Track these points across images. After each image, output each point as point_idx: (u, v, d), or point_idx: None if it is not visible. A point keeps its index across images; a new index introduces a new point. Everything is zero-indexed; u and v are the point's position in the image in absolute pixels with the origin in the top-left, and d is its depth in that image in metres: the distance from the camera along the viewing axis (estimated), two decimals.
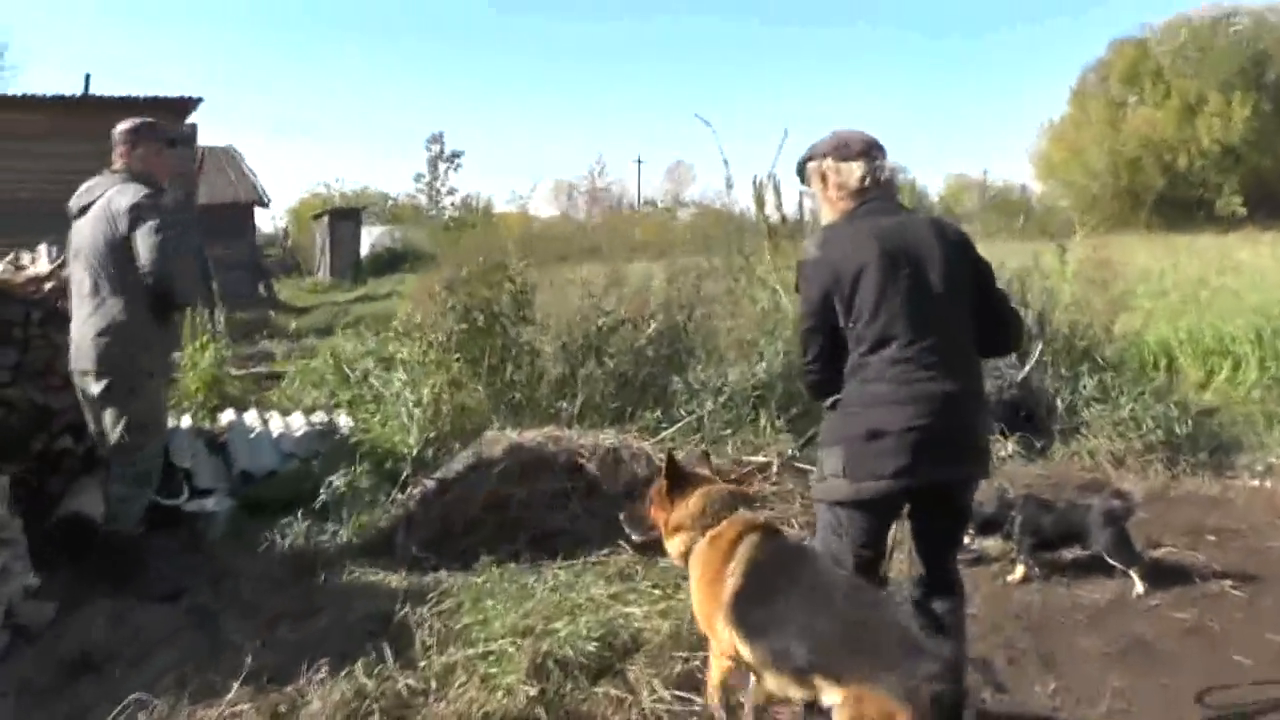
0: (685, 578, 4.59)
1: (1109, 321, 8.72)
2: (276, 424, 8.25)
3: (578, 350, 6.70)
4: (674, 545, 3.42)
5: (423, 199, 51.84)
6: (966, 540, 5.21)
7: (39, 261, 5.81)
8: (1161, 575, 5.00)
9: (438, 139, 53.93)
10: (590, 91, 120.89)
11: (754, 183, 8.18)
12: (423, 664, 3.85)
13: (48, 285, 5.52)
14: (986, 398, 3.40)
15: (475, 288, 6.71)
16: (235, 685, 3.70)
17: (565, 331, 6.84)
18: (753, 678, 3.21)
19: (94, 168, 5.06)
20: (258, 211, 30.21)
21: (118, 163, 4.94)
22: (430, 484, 5.52)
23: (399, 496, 5.68)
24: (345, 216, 35.67)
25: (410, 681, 3.72)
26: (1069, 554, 5.16)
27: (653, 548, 5.00)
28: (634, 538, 3.76)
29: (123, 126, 4.96)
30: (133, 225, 4.67)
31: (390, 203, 53.07)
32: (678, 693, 3.67)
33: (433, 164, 53.34)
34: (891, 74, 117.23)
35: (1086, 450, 7.08)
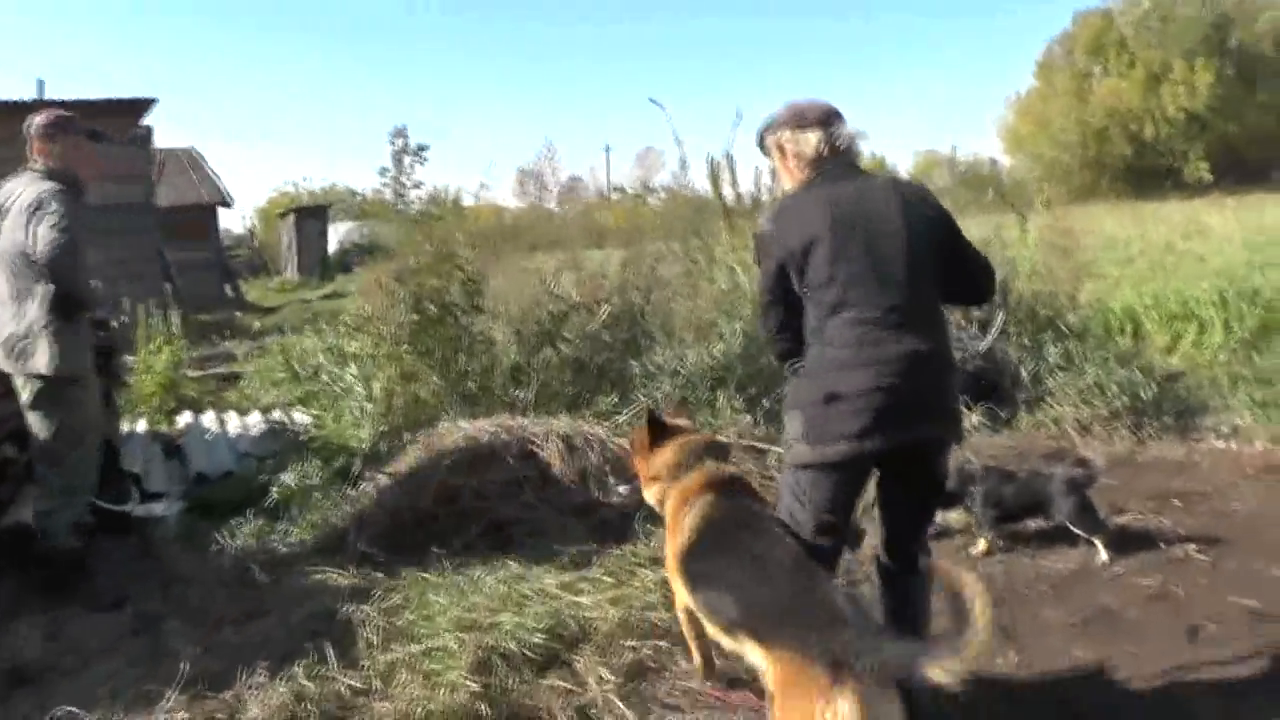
0: (640, 564, 4.56)
1: (1073, 290, 8.67)
2: (234, 424, 8.13)
3: (532, 337, 6.56)
4: (650, 494, 3.53)
5: (388, 193, 51.27)
6: None
7: None
8: (1126, 542, 4.94)
9: (401, 132, 53.24)
10: (560, 81, 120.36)
11: (709, 163, 8.07)
12: (366, 663, 3.75)
13: None
14: (953, 358, 3.29)
15: (424, 278, 6.56)
16: (173, 693, 3.58)
17: (519, 319, 6.70)
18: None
19: None
20: (224, 213, 29.91)
21: (36, 160, 4.72)
22: (381, 479, 5.40)
23: (350, 493, 5.55)
24: (311, 214, 35.35)
25: (352, 681, 3.63)
26: (1033, 524, 5.08)
27: (607, 533, 4.97)
28: (620, 490, 3.96)
29: (37, 120, 4.73)
30: (31, 219, 4.46)
31: (358, 198, 52.58)
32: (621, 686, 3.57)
33: (397, 158, 52.77)
34: (860, 52, 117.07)
35: (1052, 419, 7.00)
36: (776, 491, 3.42)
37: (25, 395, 4.63)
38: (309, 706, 3.46)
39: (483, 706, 3.35)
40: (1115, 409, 7.00)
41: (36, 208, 4.47)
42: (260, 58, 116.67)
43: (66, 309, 4.57)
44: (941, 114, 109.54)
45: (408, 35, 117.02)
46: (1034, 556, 4.91)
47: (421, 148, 53.02)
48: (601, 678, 3.52)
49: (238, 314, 21.10)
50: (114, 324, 6.55)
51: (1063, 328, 8.00)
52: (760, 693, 3.04)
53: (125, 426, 7.39)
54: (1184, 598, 4.38)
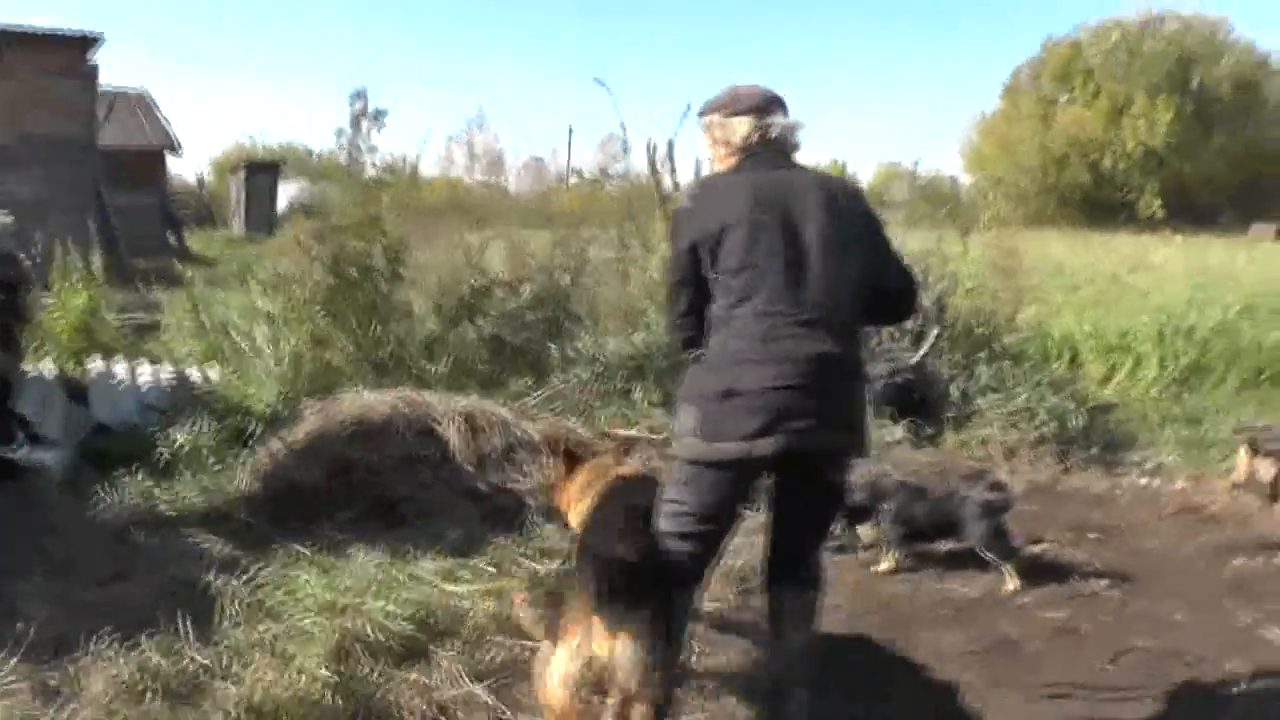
0: (527, 556, 4.36)
1: (1012, 311, 8.61)
2: (145, 375, 7.79)
3: (451, 310, 6.32)
4: (575, 519, 3.44)
5: (342, 156, 50.33)
6: (834, 527, 5.01)
7: None
8: (1037, 572, 4.84)
9: (361, 95, 52.34)
10: (532, 61, 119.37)
11: (648, 149, 7.85)
12: (222, 640, 3.50)
13: None
14: (862, 366, 3.13)
15: (346, 239, 6.29)
16: (12, 659, 3.32)
17: (440, 291, 6.46)
18: None
19: None
20: (177, 161, 29.20)
21: None
22: (276, 445, 5.15)
23: (244, 456, 5.30)
24: (263, 170, 34.51)
25: (204, 659, 3.37)
26: (944, 546, 4.96)
27: (499, 520, 4.76)
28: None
29: None
30: None
31: (315, 158, 51.64)
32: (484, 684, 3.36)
33: (355, 121, 51.80)
34: (835, 60, 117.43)
35: (978, 439, 6.91)
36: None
37: None
38: (153, 683, 3.22)
39: (334, 697, 3.12)
40: (1043, 435, 6.94)
41: None
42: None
43: None
44: (909, 128, 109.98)
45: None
46: (941, 579, 4.80)
47: (380, 112, 52.19)
48: (460, 675, 3.31)
49: (176, 263, 20.53)
50: (23, 258, 6.25)
51: (998, 348, 7.93)
52: None
53: (30, 368, 7.06)
54: (1087, 634, 4.27)
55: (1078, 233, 27.48)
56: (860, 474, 4.66)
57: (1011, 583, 4.67)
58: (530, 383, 5.94)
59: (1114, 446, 7.21)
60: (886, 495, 4.86)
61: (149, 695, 3.19)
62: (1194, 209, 37.51)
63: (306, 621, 3.46)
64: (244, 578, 3.92)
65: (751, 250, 2.88)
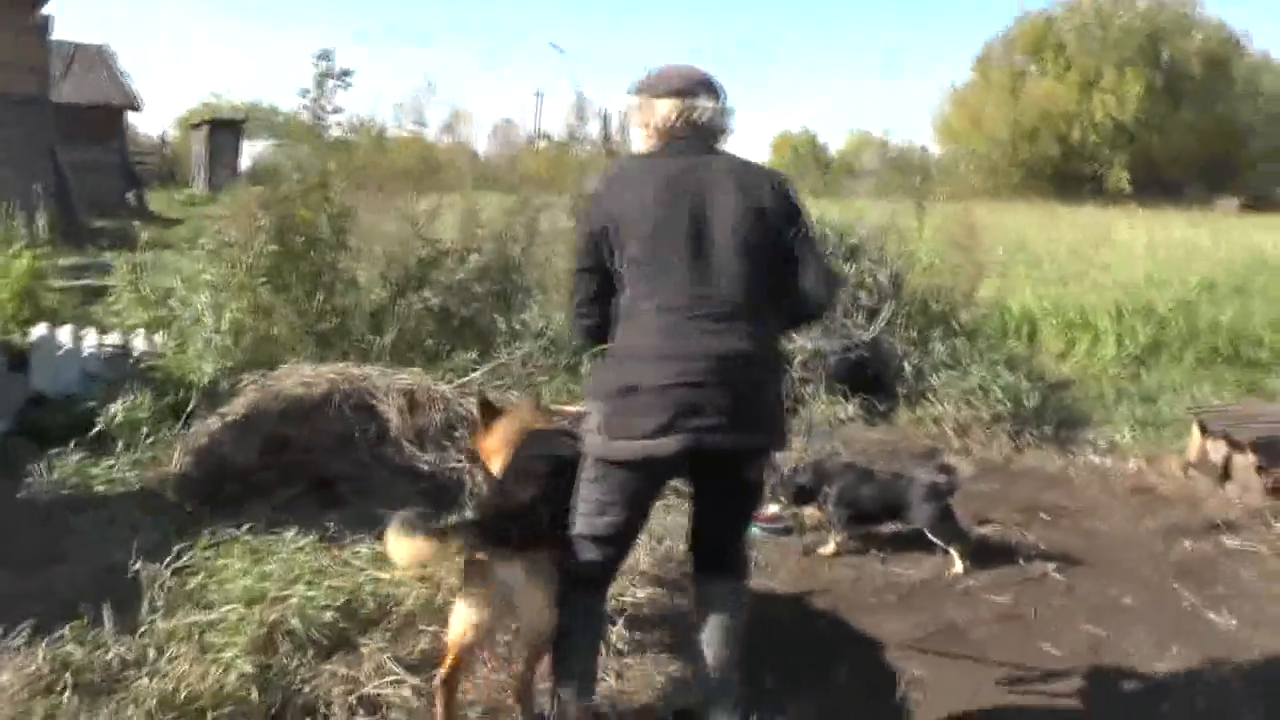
0: None
1: (970, 288, 8.54)
2: (90, 342, 7.59)
3: (397, 281, 6.16)
4: (496, 471, 3.50)
5: (306, 116, 49.54)
6: (777, 509, 4.94)
7: None
8: (985, 554, 4.80)
9: (326, 55, 51.53)
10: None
11: (601, 116, 7.69)
12: (145, 630, 3.36)
13: None
14: (779, 362, 3.02)
15: (293, 207, 6.11)
16: None
17: (386, 261, 6.29)
18: None
19: None
20: (139, 118, 28.60)
21: None
22: (212, 420, 5.00)
23: (180, 431, 5.16)
24: (226, 127, 33.83)
25: (124, 651, 3.23)
26: (890, 528, 4.91)
27: (439, 500, 4.64)
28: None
29: None
30: None
31: (280, 117, 50.85)
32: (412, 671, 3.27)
33: (320, 80, 51.01)
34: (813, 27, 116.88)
35: (932, 417, 6.87)
36: None
37: None
38: (67, 677, 3.07)
39: (254, 692, 3.01)
40: (997, 413, 6.89)
41: None
42: None
43: None
44: (882, 99, 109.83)
45: None
46: (885, 562, 4.75)
47: (346, 72, 51.38)
48: (384, 667, 3.21)
49: (136, 223, 20.12)
50: None
51: (954, 325, 7.87)
52: None
53: None
54: (1034, 619, 4.24)
55: (1046, 205, 27.47)
56: (802, 458, 4.59)
57: (958, 566, 4.62)
58: (475, 356, 5.80)
59: (1069, 424, 7.19)
60: (832, 477, 4.80)
61: (63, 689, 3.06)
62: (1161, 183, 37.65)
63: (233, 609, 3.33)
64: (173, 563, 3.78)
65: (656, 240, 2.77)
